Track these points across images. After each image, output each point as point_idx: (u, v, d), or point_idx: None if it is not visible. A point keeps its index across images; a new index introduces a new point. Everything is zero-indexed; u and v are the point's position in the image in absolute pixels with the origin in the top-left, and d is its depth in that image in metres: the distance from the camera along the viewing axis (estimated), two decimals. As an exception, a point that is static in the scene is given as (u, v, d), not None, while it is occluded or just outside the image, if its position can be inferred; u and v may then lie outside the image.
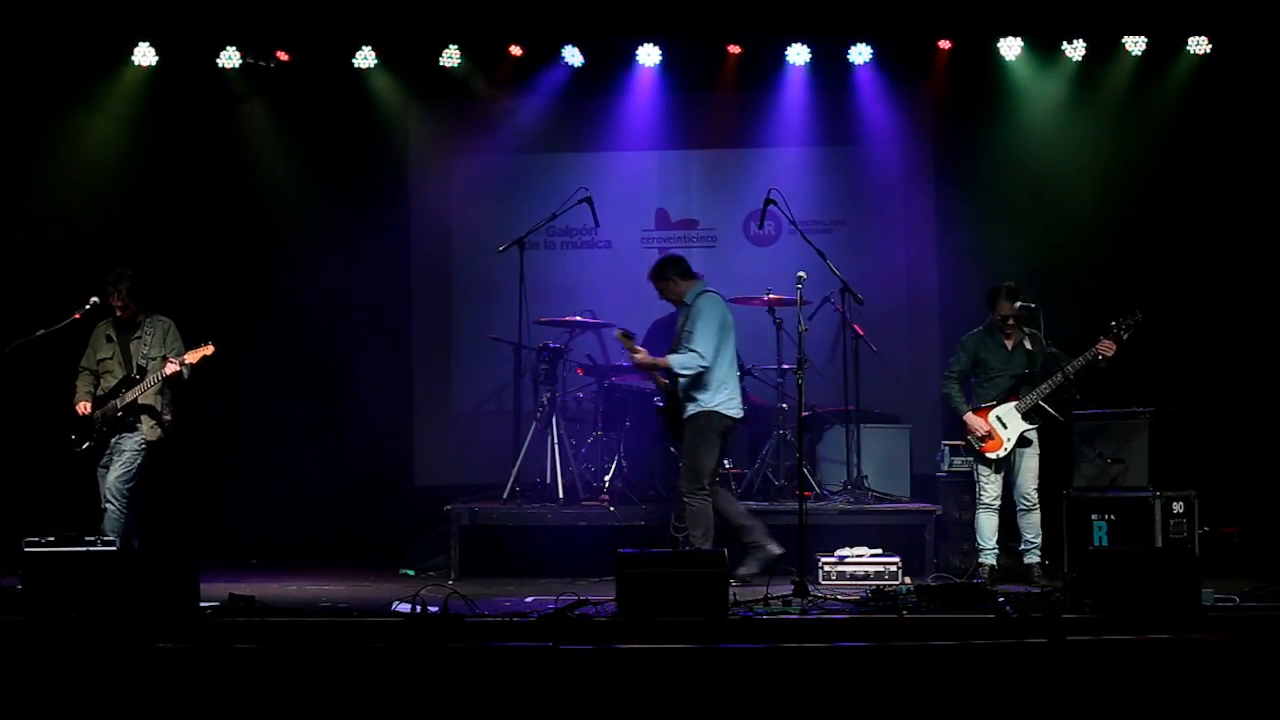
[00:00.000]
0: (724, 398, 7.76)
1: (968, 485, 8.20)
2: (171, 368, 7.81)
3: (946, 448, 8.78)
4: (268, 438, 9.92)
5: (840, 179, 10.39)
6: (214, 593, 6.85)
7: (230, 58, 9.84)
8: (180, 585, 6.42)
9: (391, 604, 6.77)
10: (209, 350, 7.87)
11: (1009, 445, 7.92)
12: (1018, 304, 7.94)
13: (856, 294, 8.34)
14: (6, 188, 9.73)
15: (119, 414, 7.90)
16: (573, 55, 9.98)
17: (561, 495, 8.76)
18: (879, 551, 7.90)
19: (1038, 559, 7.92)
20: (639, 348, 7.99)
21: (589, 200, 8.96)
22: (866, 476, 8.98)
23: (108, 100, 9.90)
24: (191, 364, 7.87)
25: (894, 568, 7.81)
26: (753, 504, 8.76)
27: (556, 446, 8.92)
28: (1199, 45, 9.64)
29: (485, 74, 10.12)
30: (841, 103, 10.19)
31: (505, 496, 8.78)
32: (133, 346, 8.00)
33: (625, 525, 8.39)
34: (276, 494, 9.72)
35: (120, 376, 7.96)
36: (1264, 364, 9.41)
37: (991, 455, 7.94)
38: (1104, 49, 9.77)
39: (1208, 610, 6.36)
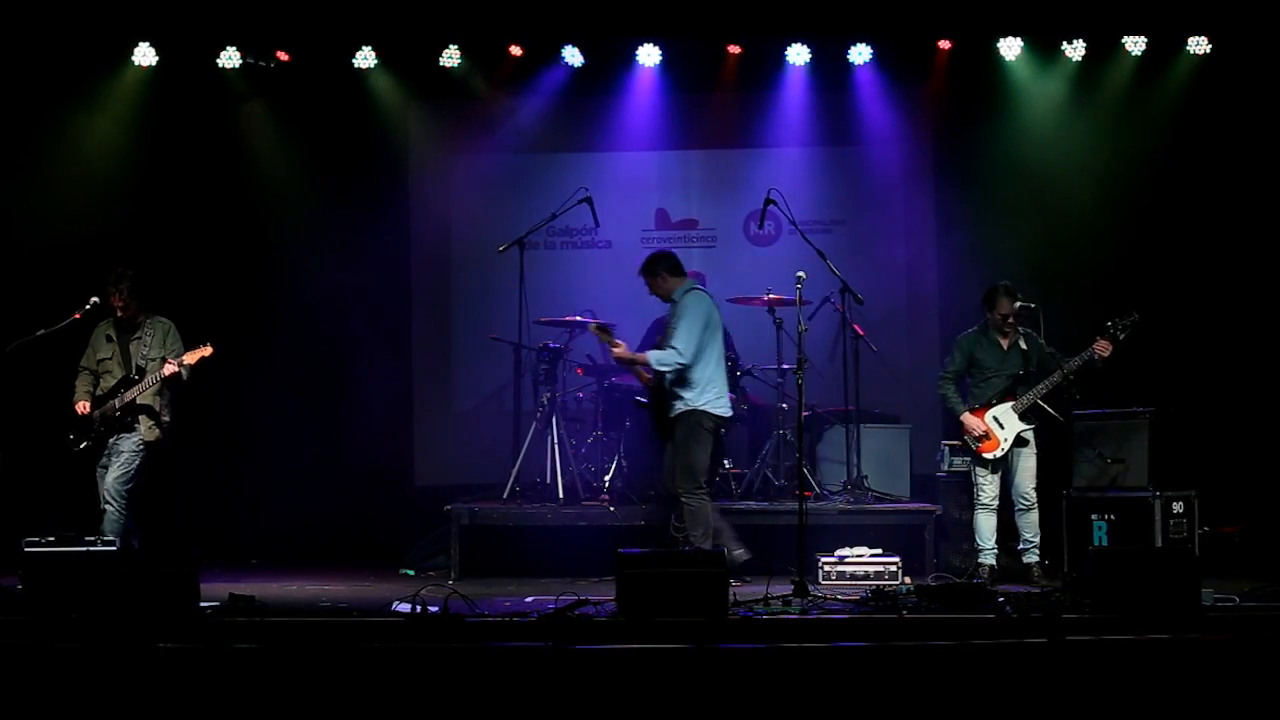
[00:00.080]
0: (711, 396, 7.70)
1: (967, 485, 8.20)
2: (170, 369, 7.82)
3: (946, 448, 8.78)
4: (268, 438, 9.92)
5: (840, 179, 10.40)
6: (214, 593, 6.85)
7: (230, 58, 9.84)
8: (180, 585, 6.42)
9: (391, 604, 6.77)
10: (207, 351, 7.87)
11: (1006, 446, 7.92)
12: (1018, 303, 7.94)
13: (856, 294, 8.35)
14: (7, 188, 9.73)
15: (117, 414, 7.90)
16: (573, 55, 9.98)
17: (561, 495, 8.76)
18: (879, 551, 7.90)
19: (1036, 558, 7.92)
20: (618, 341, 7.96)
21: (589, 200, 8.96)
22: (866, 476, 8.98)
23: (108, 100, 9.90)
24: (190, 365, 7.87)
25: (894, 568, 7.81)
26: (753, 504, 8.78)
27: (556, 446, 8.92)
28: (1199, 45, 9.65)
29: (485, 74, 10.13)
30: (841, 103, 10.20)
31: (505, 496, 8.78)
32: (132, 347, 8.01)
33: (625, 525, 8.39)
34: (276, 494, 9.72)
35: (119, 377, 7.96)
36: (1264, 364, 9.41)
37: (988, 456, 7.94)
38: (1104, 49, 9.77)
39: (1208, 610, 6.36)
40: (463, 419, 10.35)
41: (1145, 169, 9.74)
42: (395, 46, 9.96)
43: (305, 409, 10.01)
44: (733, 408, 9.22)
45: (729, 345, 9.27)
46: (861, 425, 9.10)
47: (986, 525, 7.98)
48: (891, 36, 9.83)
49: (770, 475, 9.09)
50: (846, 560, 7.84)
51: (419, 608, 6.45)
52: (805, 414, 8.05)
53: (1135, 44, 9.69)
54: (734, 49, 9.99)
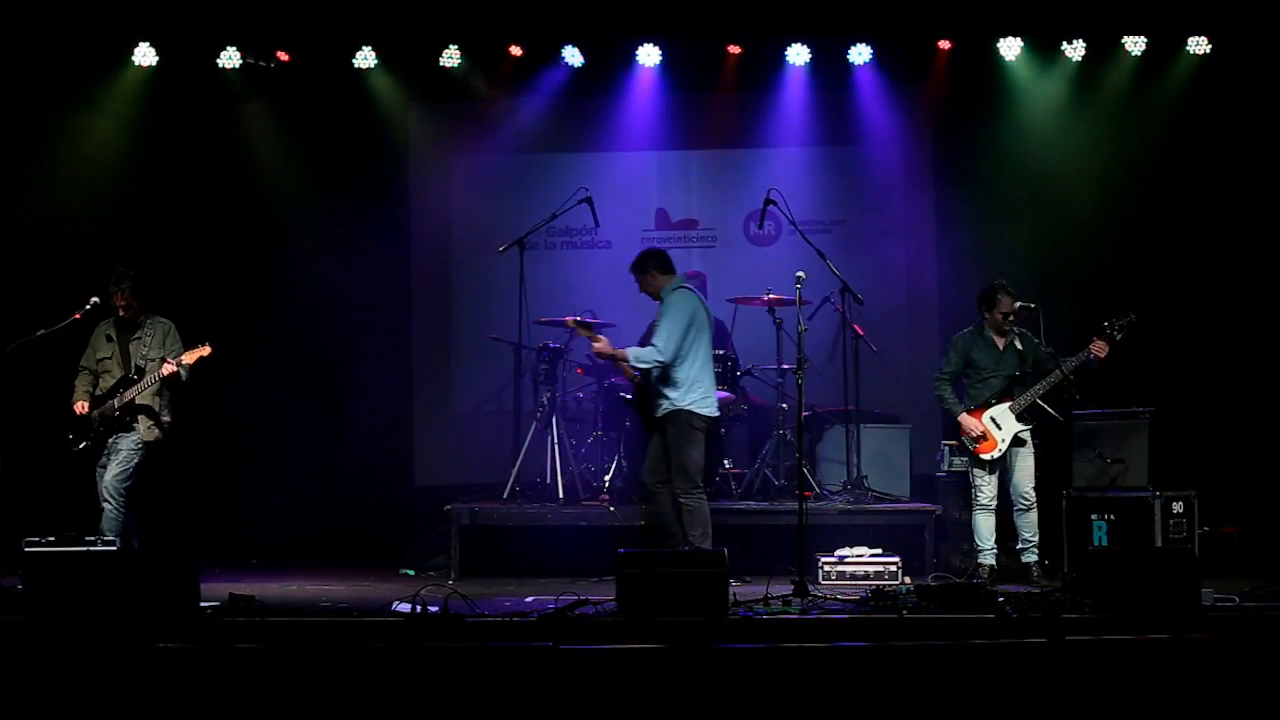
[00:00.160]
0: (696, 396, 7.66)
1: (967, 485, 8.18)
2: (168, 368, 7.82)
3: (946, 448, 8.78)
4: (268, 438, 9.93)
5: (840, 179, 10.40)
6: (214, 593, 6.85)
7: (230, 58, 9.84)
8: (180, 585, 6.42)
9: (391, 604, 6.77)
10: (206, 351, 7.88)
11: (1003, 446, 7.92)
12: (1018, 303, 7.95)
13: (856, 294, 8.34)
14: (7, 188, 9.74)
15: (116, 414, 7.91)
16: (573, 55, 9.99)
17: (561, 495, 8.77)
18: (879, 551, 7.90)
19: (1035, 558, 7.93)
20: (599, 336, 7.95)
21: (589, 200, 8.96)
22: (866, 476, 8.98)
23: (108, 100, 9.91)
24: (189, 365, 7.88)
25: (894, 568, 7.81)
26: (753, 504, 8.79)
27: (556, 446, 8.92)
28: (1199, 45, 9.65)
29: (485, 74, 10.13)
30: (841, 103, 10.20)
31: (505, 496, 8.78)
32: (132, 347, 8.01)
33: (625, 525, 8.38)
34: (276, 494, 9.72)
35: (119, 376, 7.97)
36: (1264, 364, 9.42)
37: (986, 456, 7.94)
38: (1104, 49, 9.77)
39: (1207, 610, 6.36)
40: (463, 419, 10.35)
41: (1145, 169, 9.75)
42: (395, 46, 9.96)
43: (305, 409, 10.01)
44: (733, 408, 9.29)
45: (728, 345, 9.30)
46: (861, 425, 9.10)
47: (985, 526, 7.98)
48: (891, 36, 9.83)
49: (770, 475, 9.09)
50: (846, 560, 7.84)
51: (419, 608, 6.45)
52: (805, 414, 8.05)
53: (1135, 44, 9.70)
54: (734, 49, 9.99)
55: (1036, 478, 8.02)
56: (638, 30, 9.85)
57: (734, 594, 6.62)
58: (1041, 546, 8.00)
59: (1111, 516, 8.17)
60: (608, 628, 6.18)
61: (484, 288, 10.12)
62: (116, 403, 7.91)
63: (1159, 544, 7.91)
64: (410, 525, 9.42)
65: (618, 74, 10.15)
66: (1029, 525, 7.95)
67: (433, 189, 10.66)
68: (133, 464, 7.92)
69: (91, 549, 6.88)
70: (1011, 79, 9.92)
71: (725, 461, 9.31)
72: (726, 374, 9.04)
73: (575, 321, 8.13)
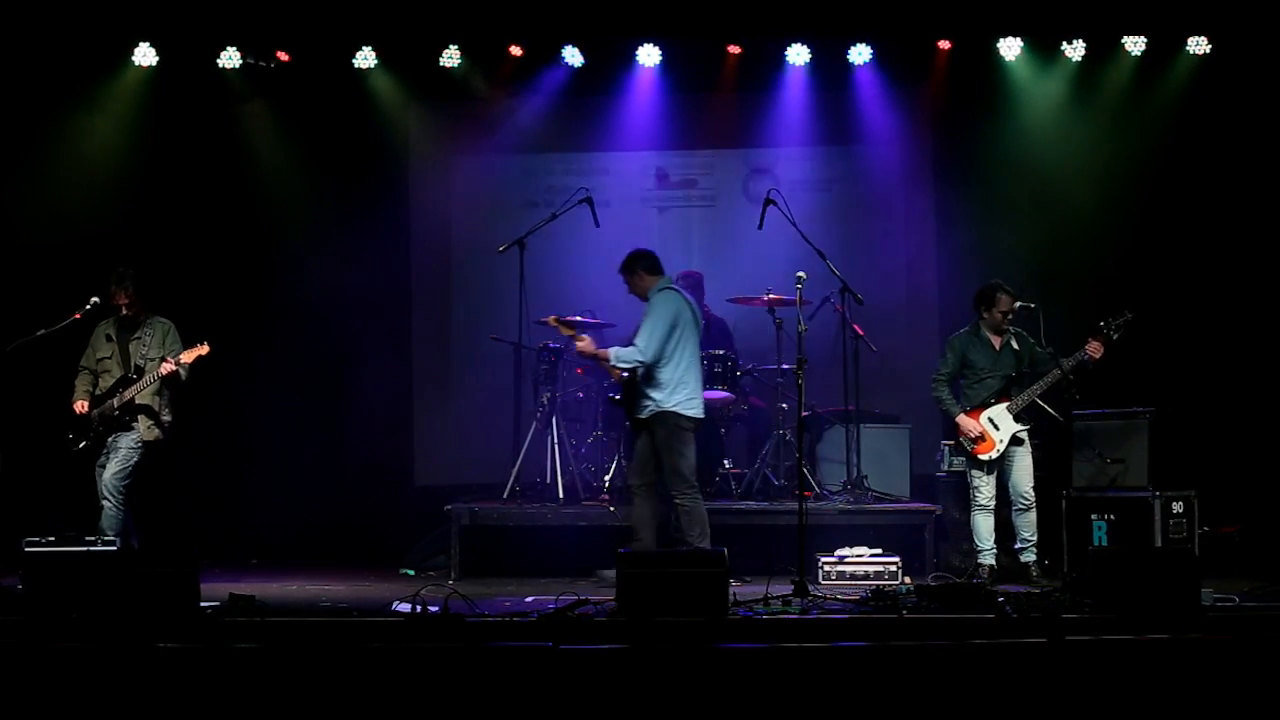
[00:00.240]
0: (682, 398, 7.64)
1: (967, 485, 8.19)
2: (167, 367, 7.82)
3: (946, 447, 8.78)
4: (268, 437, 9.93)
5: (840, 179, 10.40)
6: (214, 593, 6.85)
7: (230, 58, 9.85)
8: (180, 585, 6.42)
9: (391, 604, 6.77)
10: (204, 350, 7.88)
11: (1001, 447, 7.92)
12: (1018, 303, 7.95)
13: (856, 294, 8.34)
14: (7, 188, 9.74)
15: (115, 413, 7.91)
16: (573, 55, 9.99)
17: (561, 495, 8.77)
18: (879, 551, 7.90)
19: (1034, 557, 7.93)
20: (582, 335, 7.95)
21: (589, 200, 8.96)
22: (866, 476, 8.98)
23: (108, 101, 9.91)
24: (188, 364, 7.89)
25: (894, 568, 7.81)
26: (753, 504, 8.79)
27: (556, 446, 8.92)
28: (1199, 45, 9.65)
29: (485, 74, 10.13)
30: (841, 103, 10.20)
31: (505, 496, 8.79)
32: (132, 347, 8.02)
33: (625, 525, 8.37)
34: (276, 494, 9.72)
35: (118, 376, 7.98)
36: (1264, 364, 9.42)
37: (984, 457, 7.94)
38: (1104, 49, 9.78)
39: (1207, 610, 6.36)
40: (463, 419, 10.34)
41: (1145, 169, 9.75)
42: (395, 46, 9.96)
43: (305, 409, 10.01)
44: (733, 408, 9.30)
45: (729, 345, 9.31)
46: (861, 425, 9.10)
47: (984, 526, 7.98)
48: (891, 36, 9.83)
49: (770, 475, 9.09)
50: (846, 560, 7.84)
51: (419, 608, 6.45)
52: (805, 414, 8.05)
53: (1135, 44, 9.70)
54: (734, 49, 10.00)
55: (1036, 478, 8.02)
56: (638, 30, 9.85)
57: (734, 594, 6.62)
58: (1041, 546, 8.00)
59: (1111, 516, 8.17)
60: (608, 628, 6.18)
61: (484, 288, 10.12)
62: (116, 402, 7.91)
63: (1159, 544, 7.91)
64: (410, 525, 9.42)
65: (618, 74, 10.16)
66: (1028, 525, 7.95)
67: (433, 189, 10.66)
68: (132, 463, 7.92)
69: (91, 549, 6.89)
70: (1011, 79, 9.93)
71: (725, 461, 9.31)
72: (726, 374, 9.04)
73: (557, 320, 8.13)
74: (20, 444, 8.21)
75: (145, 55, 9.80)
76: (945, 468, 8.78)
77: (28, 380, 8.14)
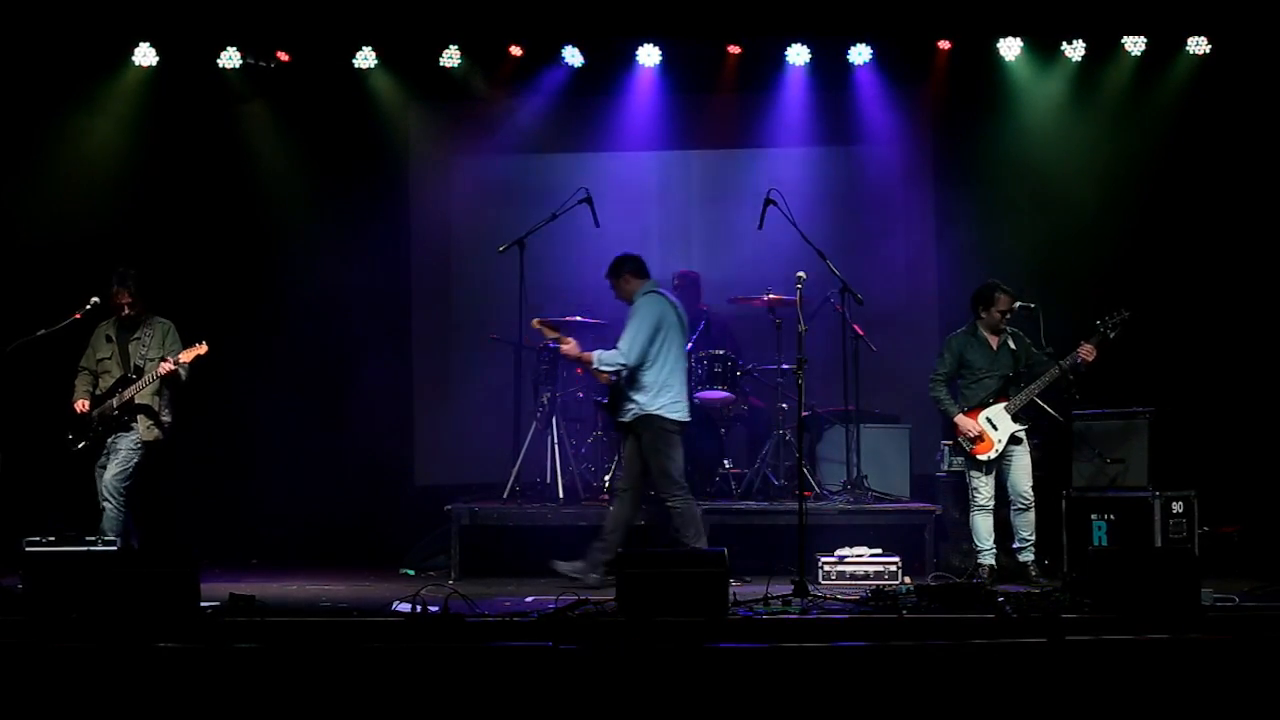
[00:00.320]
0: (665, 401, 7.67)
1: (966, 485, 8.19)
2: (166, 367, 7.83)
3: (946, 447, 8.78)
4: (268, 437, 9.92)
5: (840, 179, 10.39)
6: (214, 593, 6.85)
7: (230, 58, 9.84)
8: (180, 585, 6.42)
9: (391, 604, 6.77)
10: (202, 349, 7.88)
11: (1000, 446, 7.93)
12: (1018, 303, 7.95)
13: (856, 294, 8.34)
14: (7, 188, 9.74)
15: (115, 413, 7.92)
16: (573, 55, 9.98)
17: (561, 495, 8.77)
18: (879, 551, 7.91)
19: (1032, 557, 7.94)
20: (567, 338, 7.96)
21: (589, 200, 8.95)
22: (866, 476, 8.98)
23: (108, 101, 9.90)
24: (186, 363, 7.89)
25: (894, 568, 7.81)
26: (753, 504, 8.79)
27: (556, 446, 8.93)
28: (1199, 45, 9.65)
29: (485, 74, 10.13)
30: (841, 103, 10.20)
31: (505, 496, 8.79)
32: (131, 347, 8.02)
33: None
34: (276, 494, 9.71)
35: (118, 376, 7.98)
36: (1264, 364, 9.41)
37: (982, 457, 7.95)
38: (1104, 49, 9.77)
39: (1207, 610, 6.36)
40: (463, 419, 10.33)
41: (1145, 169, 9.74)
42: (395, 46, 9.96)
43: (305, 409, 10.01)
44: (733, 408, 9.30)
45: (729, 345, 9.30)
46: (861, 425, 9.10)
47: (984, 526, 7.98)
48: (891, 37, 9.83)
49: (770, 475, 9.09)
50: (846, 560, 7.84)
51: (419, 608, 6.45)
52: (805, 414, 8.06)
53: (1135, 44, 9.69)
54: (734, 49, 9.99)
55: (1036, 478, 8.03)
56: (638, 30, 9.85)
57: (734, 594, 6.62)
58: (1041, 546, 8.00)
59: (1111, 516, 8.18)
60: (608, 628, 6.18)
61: (484, 288, 10.11)
62: (115, 402, 7.91)
63: (1159, 544, 7.91)
64: (410, 525, 9.42)
65: (618, 74, 10.15)
66: (1027, 524, 7.95)
67: (433, 189, 10.66)
68: (132, 463, 7.92)
69: (91, 549, 6.89)
70: (1011, 79, 9.92)
71: (725, 461, 9.32)
72: (726, 374, 9.05)
73: (541, 322, 8.12)
74: (20, 444, 8.20)
75: (145, 55, 9.80)
76: (945, 468, 8.78)
77: (28, 380, 8.14)
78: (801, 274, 7.62)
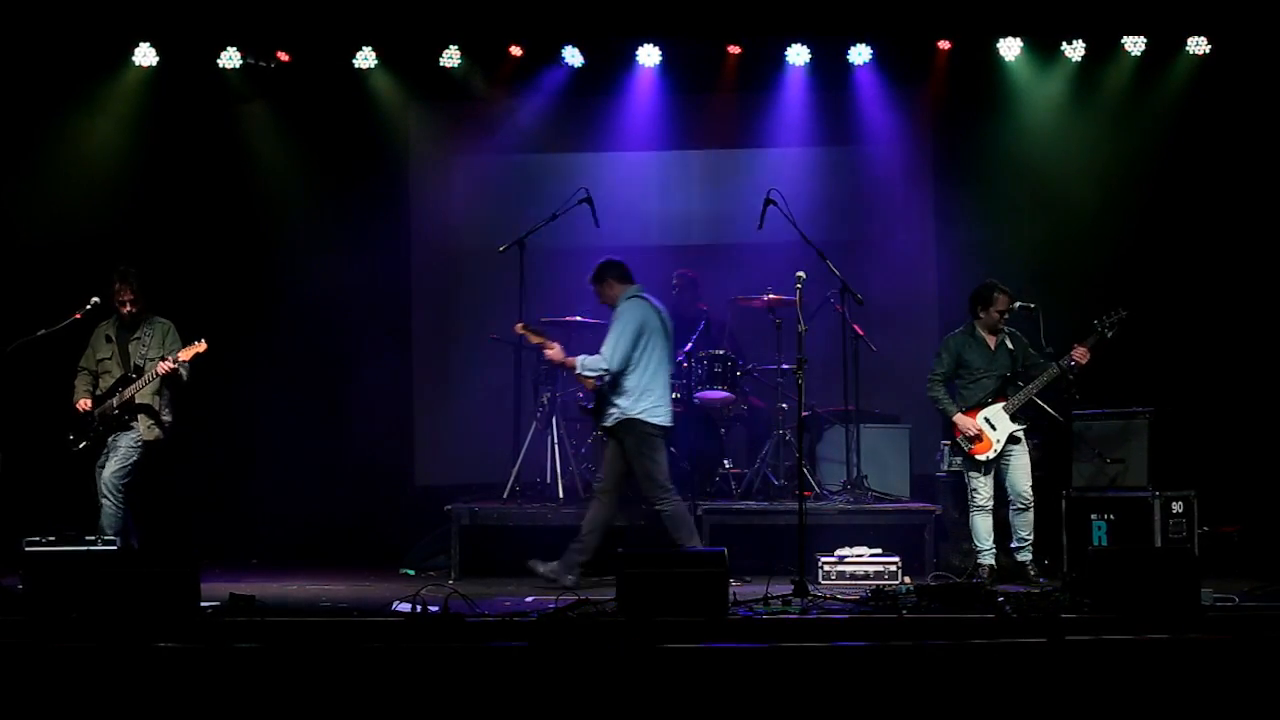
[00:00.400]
0: (647, 405, 7.70)
1: (966, 485, 8.20)
2: (165, 366, 7.83)
3: (946, 447, 8.78)
4: (268, 438, 9.93)
5: (840, 179, 10.39)
6: (214, 593, 6.85)
7: (231, 58, 9.84)
8: (180, 585, 6.42)
9: (391, 604, 6.77)
10: (202, 347, 7.89)
11: (999, 446, 7.93)
12: (1017, 303, 7.96)
13: (856, 294, 8.34)
14: (7, 188, 9.74)
15: (115, 412, 7.92)
16: (573, 55, 9.98)
17: (561, 495, 8.78)
18: (879, 551, 7.90)
19: (1030, 556, 7.94)
20: (552, 343, 7.98)
21: (589, 200, 8.95)
22: (866, 476, 8.99)
23: (108, 101, 9.91)
24: (186, 361, 7.89)
25: (894, 568, 7.81)
26: (753, 504, 8.79)
27: (556, 446, 8.93)
28: (1198, 45, 9.65)
29: (485, 74, 10.13)
30: (841, 103, 10.20)
31: (505, 496, 8.79)
32: (131, 347, 8.03)
33: (625, 525, 8.39)
34: (276, 494, 9.72)
35: (118, 376, 7.98)
36: (1263, 364, 9.42)
37: (980, 457, 7.95)
38: (1104, 49, 9.77)
39: (1207, 610, 6.36)
40: (463, 419, 10.33)
41: (1145, 169, 9.74)
42: (395, 46, 9.96)
43: (306, 409, 10.01)
44: (733, 408, 9.30)
45: (728, 345, 9.30)
46: (861, 425, 9.10)
47: (983, 526, 7.98)
48: (891, 37, 9.83)
49: (770, 475, 9.09)
50: (846, 560, 7.84)
51: (419, 608, 6.45)
52: (805, 414, 8.06)
53: (1135, 44, 9.69)
54: (734, 49, 9.99)
55: (1036, 478, 8.03)
56: (638, 30, 9.85)
57: (734, 594, 6.63)
58: (1041, 546, 8.01)
59: (1111, 516, 8.18)
60: (608, 628, 6.18)
61: (484, 288, 10.11)
62: (115, 401, 7.92)
63: (1159, 544, 7.91)
64: (410, 525, 9.42)
65: (618, 74, 10.15)
66: (1025, 524, 7.96)
67: (433, 189, 10.66)
68: (131, 461, 7.93)
69: (91, 549, 6.90)
70: (1011, 79, 9.92)
71: (725, 461, 9.32)
72: (726, 374, 9.05)
73: (524, 327, 8.13)
74: (20, 444, 8.20)
75: (145, 55, 9.80)
76: (945, 468, 8.79)
77: (28, 380, 8.14)
78: (801, 274, 7.62)
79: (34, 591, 6.68)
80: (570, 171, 9.93)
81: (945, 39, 9.82)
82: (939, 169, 10.36)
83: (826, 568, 7.82)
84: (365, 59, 9.94)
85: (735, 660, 5.68)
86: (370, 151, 10.39)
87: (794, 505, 7.71)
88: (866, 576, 7.73)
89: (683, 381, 9.11)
